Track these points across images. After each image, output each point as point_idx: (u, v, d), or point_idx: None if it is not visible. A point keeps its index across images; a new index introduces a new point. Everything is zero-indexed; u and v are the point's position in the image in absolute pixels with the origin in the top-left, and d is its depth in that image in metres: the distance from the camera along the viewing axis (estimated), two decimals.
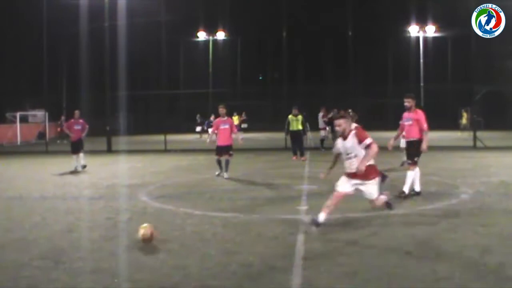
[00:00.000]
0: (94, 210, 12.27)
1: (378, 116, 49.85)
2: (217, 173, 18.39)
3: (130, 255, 8.28)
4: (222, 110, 18.55)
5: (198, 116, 45.24)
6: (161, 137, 33.61)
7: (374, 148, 9.33)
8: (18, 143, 42.80)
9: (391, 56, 60.67)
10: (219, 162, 18.32)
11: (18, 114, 44.69)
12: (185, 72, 64.98)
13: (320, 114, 30.76)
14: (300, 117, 24.31)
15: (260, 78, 70.96)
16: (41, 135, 42.90)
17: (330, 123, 28.60)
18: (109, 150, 31.47)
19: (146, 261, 7.91)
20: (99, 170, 21.73)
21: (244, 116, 51.82)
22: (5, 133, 42.43)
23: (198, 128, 46.19)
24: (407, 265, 7.55)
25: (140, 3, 39.57)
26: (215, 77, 61.87)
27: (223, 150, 18.25)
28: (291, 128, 24.34)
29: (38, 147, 36.50)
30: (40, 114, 46.94)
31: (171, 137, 35.67)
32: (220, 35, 62.45)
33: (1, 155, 31.26)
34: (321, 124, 30.62)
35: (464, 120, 47.45)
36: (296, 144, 24.40)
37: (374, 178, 9.58)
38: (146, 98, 52.41)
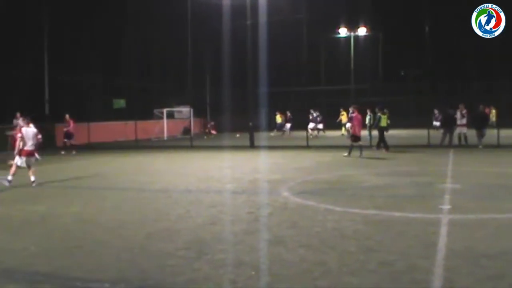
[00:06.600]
0: (236, 204, 12.55)
1: None
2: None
3: (270, 249, 8.41)
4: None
5: (312, 111, 41.87)
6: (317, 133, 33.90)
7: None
8: (165, 138, 44.55)
9: None
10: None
11: (164, 111, 46.46)
12: (326, 69, 64.84)
13: (461, 111, 29.67)
14: (387, 115, 27.53)
15: (402, 74, 69.54)
16: (186, 131, 44.39)
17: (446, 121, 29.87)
18: (252, 146, 31.96)
19: (286, 256, 7.99)
20: (242, 165, 22.20)
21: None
22: (153, 129, 44.24)
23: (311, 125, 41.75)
24: None
25: (281, 1, 39.95)
26: (356, 73, 61.21)
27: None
28: (382, 125, 27.12)
29: (183, 142, 37.78)
30: (185, 110, 48.57)
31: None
32: (362, 31, 61.68)
33: (149, 150, 32.65)
34: (461, 120, 29.60)
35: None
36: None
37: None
38: (287, 94, 52.70)
